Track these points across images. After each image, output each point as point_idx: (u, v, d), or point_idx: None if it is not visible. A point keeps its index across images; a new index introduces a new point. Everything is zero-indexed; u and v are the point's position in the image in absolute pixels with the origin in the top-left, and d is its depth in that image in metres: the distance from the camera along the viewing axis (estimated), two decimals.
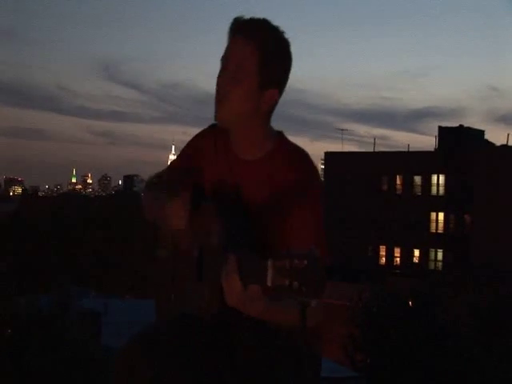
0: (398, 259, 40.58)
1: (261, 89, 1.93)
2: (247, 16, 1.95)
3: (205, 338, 1.89)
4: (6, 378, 12.94)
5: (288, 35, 1.95)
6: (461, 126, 41.84)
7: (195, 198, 1.97)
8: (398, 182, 41.01)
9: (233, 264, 1.66)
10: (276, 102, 1.98)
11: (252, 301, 1.67)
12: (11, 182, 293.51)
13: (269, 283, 1.52)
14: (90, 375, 12.98)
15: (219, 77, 1.96)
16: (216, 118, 1.98)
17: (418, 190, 40.39)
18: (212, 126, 2.11)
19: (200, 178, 2.07)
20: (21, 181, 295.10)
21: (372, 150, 45.33)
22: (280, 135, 2.03)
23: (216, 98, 1.96)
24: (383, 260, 40.99)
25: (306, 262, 1.45)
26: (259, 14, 1.97)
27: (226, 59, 1.95)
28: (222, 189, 2.00)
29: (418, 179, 40.34)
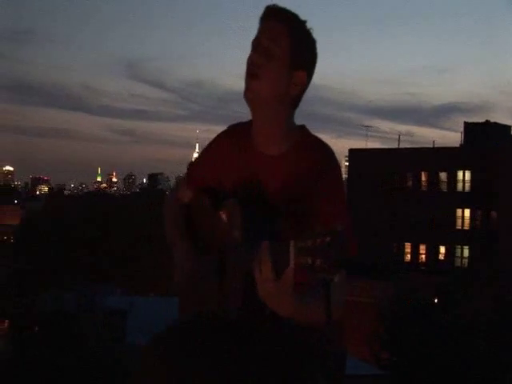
0: (424, 256, 40.33)
1: (292, 68, 1.94)
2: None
3: (227, 336, 1.89)
4: (31, 375, 13.07)
5: (317, 30, 1.99)
6: (487, 121, 41.48)
7: (217, 198, 1.97)
8: (424, 178, 40.74)
9: (265, 252, 1.65)
10: (304, 88, 1.98)
11: (284, 292, 1.65)
12: (38, 181, 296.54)
13: (291, 264, 1.52)
14: (115, 373, 13.07)
15: (252, 52, 1.97)
16: (246, 93, 1.97)
17: (444, 187, 40.09)
18: (232, 126, 2.13)
19: (222, 177, 2.08)
20: (47, 180, 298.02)
21: (396, 147, 45.10)
22: (303, 129, 2.03)
23: (247, 73, 1.96)
24: (408, 257, 40.75)
25: (328, 238, 1.43)
26: None
27: (258, 38, 1.97)
28: (246, 185, 2.00)
29: (443, 175, 40.04)
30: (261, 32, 1.97)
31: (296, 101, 2.00)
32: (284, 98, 1.96)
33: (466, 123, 41.84)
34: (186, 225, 2.10)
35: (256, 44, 1.97)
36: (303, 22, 1.97)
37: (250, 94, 1.96)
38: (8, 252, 37.88)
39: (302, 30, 1.96)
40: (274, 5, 1.98)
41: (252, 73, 1.94)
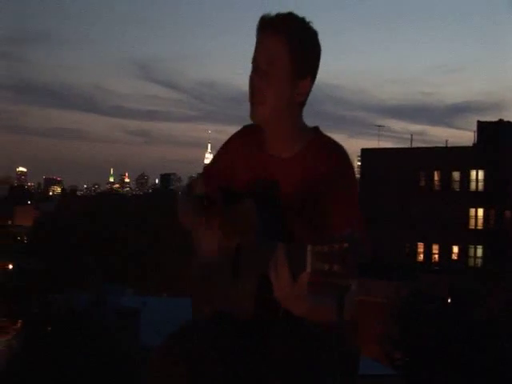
0: (437, 256, 40.16)
1: (294, 80, 1.93)
2: (273, 13, 1.96)
3: (241, 336, 1.89)
4: (44, 374, 13.13)
5: (316, 27, 1.96)
6: (500, 120, 41.24)
7: (231, 199, 1.98)
8: (436, 177, 40.57)
9: (282, 254, 1.65)
10: (309, 92, 1.98)
11: (300, 293, 1.65)
12: (51, 181, 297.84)
13: (308, 269, 1.52)
14: (128, 373, 13.10)
15: (252, 76, 1.97)
16: (252, 118, 1.98)
17: (457, 186, 39.91)
18: (246, 127, 2.13)
19: (235, 179, 2.08)
20: (60, 180, 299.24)
21: (409, 146, 44.95)
22: (315, 131, 2.03)
23: (250, 99, 1.97)
24: (421, 257, 40.59)
25: (346, 244, 1.44)
26: (294, 11, 1.98)
27: (256, 58, 1.96)
28: (259, 187, 2.00)
29: (456, 175, 39.86)
30: (258, 49, 1.96)
31: (304, 103, 2.00)
32: (290, 107, 1.97)
33: (479, 122, 41.62)
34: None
35: (254, 66, 1.96)
36: (300, 23, 1.94)
37: (256, 118, 1.98)
38: (21, 252, 38.07)
39: (300, 37, 1.93)
40: (267, 15, 1.95)
41: (255, 100, 1.95)
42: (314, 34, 1.96)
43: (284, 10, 1.99)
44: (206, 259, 2.00)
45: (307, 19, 1.95)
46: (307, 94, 1.98)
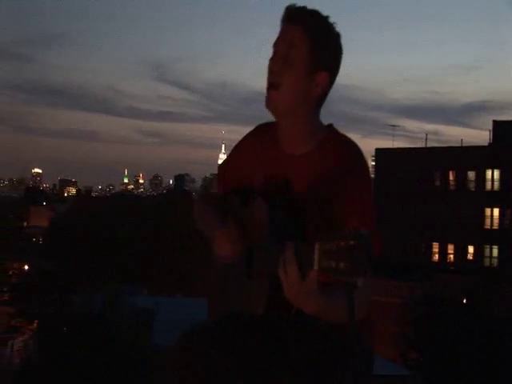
0: (452, 256, 39.95)
1: (312, 71, 1.93)
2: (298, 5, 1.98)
3: (256, 336, 1.89)
4: (60, 375, 13.19)
5: (339, 29, 1.97)
6: None
7: (246, 198, 1.98)
8: (451, 177, 40.36)
9: (291, 253, 1.65)
10: (326, 88, 1.98)
11: (309, 291, 1.65)
12: (65, 182, 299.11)
13: (315, 266, 1.52)
14: (143, 372, 13.14)
15: (270, 60, 1.97)
16: (267, 103, 1.98)
17: (472, 186, 39.67)
18: (260, 126, 2.13)
19: (250, 178, 2.08)
20: (75, 182, 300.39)
21: (424, 146, 44.75)
22: (330, 128, 2.02)
23: (268, 82, 1.97)
24: (436, 257, 40.40)
25: (352, 242, 1.43)
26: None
27: (276, 44, 1.97)
28: (273, 185, 2.00)
29: (471, 174, 39.63)
30: (279, 36, 1.97)
31: (320, 100, 1.99)
32: (306, 100, 1.96)
33: (494, 121, 41.35)
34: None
35: (275, 50, 1.97)
36: (324, 19, 1.95)
37: (270, 103, 1.97)
38: (37, 253, 38.29)
39: (321, 30, 1.94)
40: (292, 5, 1.97)
41: (271, 82, 1.96)
42: (335, 34, 1.97)
43: None
44: (221, 261, 2.00)
45: (331, 20, 1.96)
46: (325, 89, 1.97)
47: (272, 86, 1.95)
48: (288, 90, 1.94)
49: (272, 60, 1.97)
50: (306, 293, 1.65)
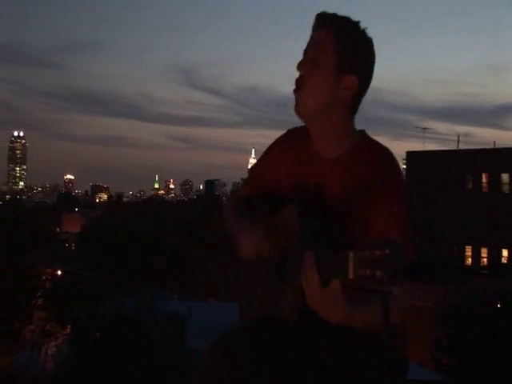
0: (485, 260, 39.45)
1: (339, 74, 1.93)
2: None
3: (288, 341, 1.89)
4: (93, 380, 13.29)
5: (370, 33, 1.97)
6: None
7: (276, 202, 1.98)
8: (484, 180, 39.88)
9: (310, 260, 1.65)
10: (357, 93, 1.96)
11: (332, 300, 1.64)
12: (97, 188, 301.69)
13: (350, 275, 1.51)
14: (175, 377, 13.19)
15: (298, 65, 1.98)
16: (295, 108, 1.98)
17: (506, 188, 39.13)
18: (290, 130, 2.13)
19: (280, 182, 2.08)
20: (106, 187, 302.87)
21: (455, 148, 44.29)
22: (362, 134, 2.01)
23: (295, 85, 1.98)
24: (469, 260, 39.93)
25: (387, 251, 1.43)
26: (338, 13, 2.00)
27: (306, 50, 1.99)
28: (304, 190, 2.00)
29: (505, 177, 39.11)
30: (309, 42, 1.99)
31: (353, 105, 1.98)
32: (334, 103, 1.95)
33: None
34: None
35: (303, 55, 1.99)
36: (354, 25, 1.95)
37: (297, 106, 1.98)
38: (70, 259, 38.69)
39: (350, 34, 1.94)
40: (323, 12, 1.98)
41: (298, 85, 1.97)
42: (365, 39, 1.96)
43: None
44: (244, 256, 2.00)
45: (362, 25, 1.95)
46: (355, 93, 1.96)
47: (298, 88, 1.96)
48: (313, 91, 1.94)
49: (299, 63, 1.98)
50: (329, 301, 1.65)
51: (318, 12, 1.98)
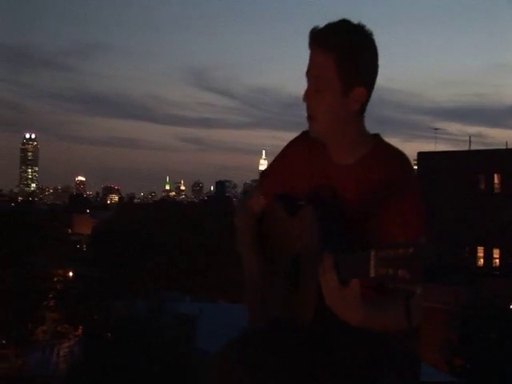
0: (498, 261, 39.25)
1: (346, 91, 1.91)
2: (323, 24, 1.93)
3: (301, 343, 1.88)
4: (104, 380, 13.33)
5: (373, 30, 1.92)
6: None
7: (291, 206, 1.98)
8: (496, 180, 39.68)
9: (329, 261, 1.65)
10: (366, 100, 1.95)
11: (351, 300, 1.64)
12: (108, 190, 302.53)
13: (372, 274, 1.50)
14: (186, 378, 13.20)
15: (305, 92, 1.97)
16: (311, 132, 2.00)
17: None
18: (304, 133, 2.11)
19: (294, 185, 2.08)
20: (117, 189, 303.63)
21: (467, 149, 44.11)
22: (376, 137, 2.01)
23: (307, 115, 1.98)
24: (481, 262, 39.75)
25: (411, 249, 1.42)
26: (349, 16, 1.95)
27: (308, 73, 1.97)
28: (319, 194, 1.99)
29: None
30: (309, 65, 1.96)
31: (363, 110, 1.98)
32: (346, 118, 1.95)
33: None
34: (256, 237, 2.13)
35: (307, 80, 1.97)
36: (351, 32, 1.89)
37: (313, 134, 1.99)
38: (81, 260, 38.82)
39: (350, 51, 1.89)
40: (315, 28, 1.93)
41: (308, 115, 1.97)
42: (365, 42, 1.91)
43: (337, 15, 1.95)
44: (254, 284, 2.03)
45: (362, 25, 1.90)
46: (364, 102, 1.95)
47: (309, 118, 1.97)
48: (324, 118, 1.94)
49: (305, 94, 1.96)
50: (348, 301, 1.65)
51: (312, 28, 1.93)
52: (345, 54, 1.89)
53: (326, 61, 1.90)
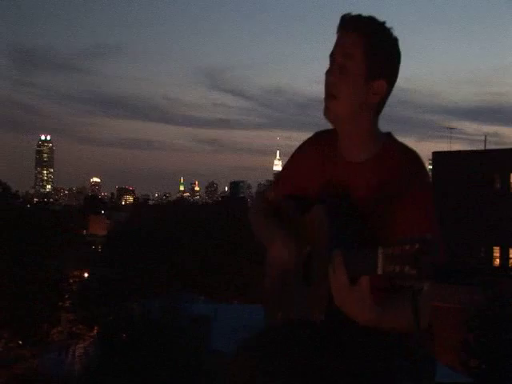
0: None
1: (369, 79, 1.92)
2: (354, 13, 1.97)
3: (315, 342, 1.88)
4: (120, 381, 13.37)
5: (396, 33, 1.95)
6: None
7: (304, 205, 1.98)
8: None
9: (339, 259, 1.65)
10: (385, 96, 1.96)
11: (360, 298, 1.64)
12: (123, 191, 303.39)
13: (379, 271, 1.50)
14: (200, 378, 13.22)
15: (327, 71, 1.97)
16: (326, 113, 1.98)
17: None
18: (318, 133, 2.13)
19: (308, 185, 2.08)
20: (132, 190, 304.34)
21: (482, 148, 43.86)
22: (388, 136, 2.01)
23: (325, 92, 1.97)
24: (497, 261, 39.50)
25: (417, 245, 1.41)
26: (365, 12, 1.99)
27: (333, 54, 1.97)
28: (331, 193, 1.99)
29: None
30: (335, 46, 1.97)
31: (378, 107, 1.98)
32: (364, 109, 1.95)
33: None
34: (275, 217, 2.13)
35: (331, 60, 1.97)
36: (381, 27, 1.93)
37: (329, 114, 1.97)
38: (96, 261, 38.99)
39: (376, 36, 1.92)
40: (347, 14, 1.96)
41: (328, 93, 1.96)
42: (392, 40, 1.95)
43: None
44: (279, 265, 2.01)
45: (388, 25, 1.94)
46: (383, 97, 1.96)
47: (330, 96, 1.95)
48: (346, 99, 1.93)
49: (329, 71, 1.96)
50: (357, 300, 1.65)
51: (343, 14, 1.96)
52: (375, 41, 1.92)
53: (357, 43, 1.92)
